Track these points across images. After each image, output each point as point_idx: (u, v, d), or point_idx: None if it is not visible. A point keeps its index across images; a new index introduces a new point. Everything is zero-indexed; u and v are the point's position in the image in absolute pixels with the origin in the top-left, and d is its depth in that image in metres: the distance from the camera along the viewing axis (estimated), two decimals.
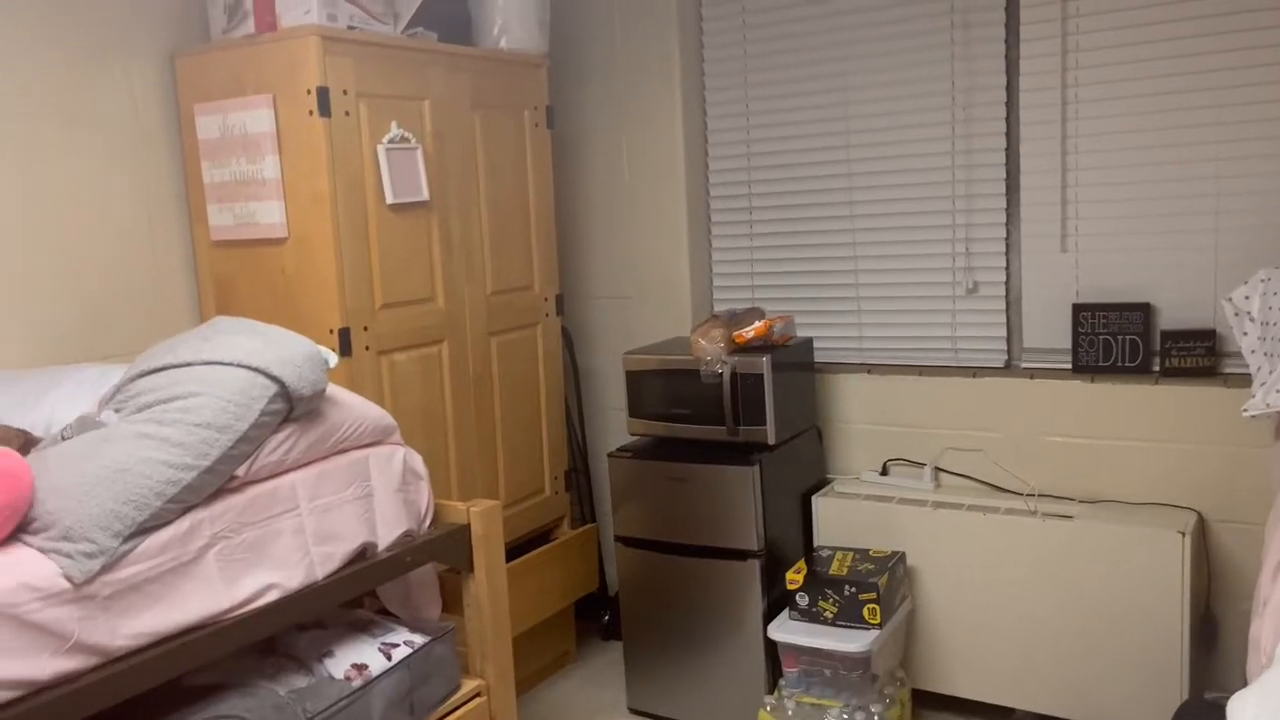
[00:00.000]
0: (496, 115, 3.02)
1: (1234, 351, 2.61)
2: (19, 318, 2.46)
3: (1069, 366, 2.88)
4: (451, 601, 2.33)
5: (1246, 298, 2.34)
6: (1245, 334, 2.33)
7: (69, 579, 1.55)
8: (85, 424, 1.81)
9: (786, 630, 2.76)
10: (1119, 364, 2.80)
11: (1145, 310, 2.77)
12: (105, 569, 1.60)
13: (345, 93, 2.53)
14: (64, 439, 1.80)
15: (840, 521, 3.01)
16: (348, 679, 1.99)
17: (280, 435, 1.91)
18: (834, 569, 2.79)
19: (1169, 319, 2.78)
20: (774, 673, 2.86)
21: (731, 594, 2.88)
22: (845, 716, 2.64)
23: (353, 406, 2.10)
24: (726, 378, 2.85)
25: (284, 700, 1.88)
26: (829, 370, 3.22)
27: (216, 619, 1.77)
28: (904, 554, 2.88)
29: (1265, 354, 2.26)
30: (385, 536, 2.11)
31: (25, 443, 1.87)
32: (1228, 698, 1.22)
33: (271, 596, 1.86)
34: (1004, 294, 3.02)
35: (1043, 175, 2.89)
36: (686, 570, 2.94)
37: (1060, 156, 2.86)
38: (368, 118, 2.60)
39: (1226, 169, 2.67)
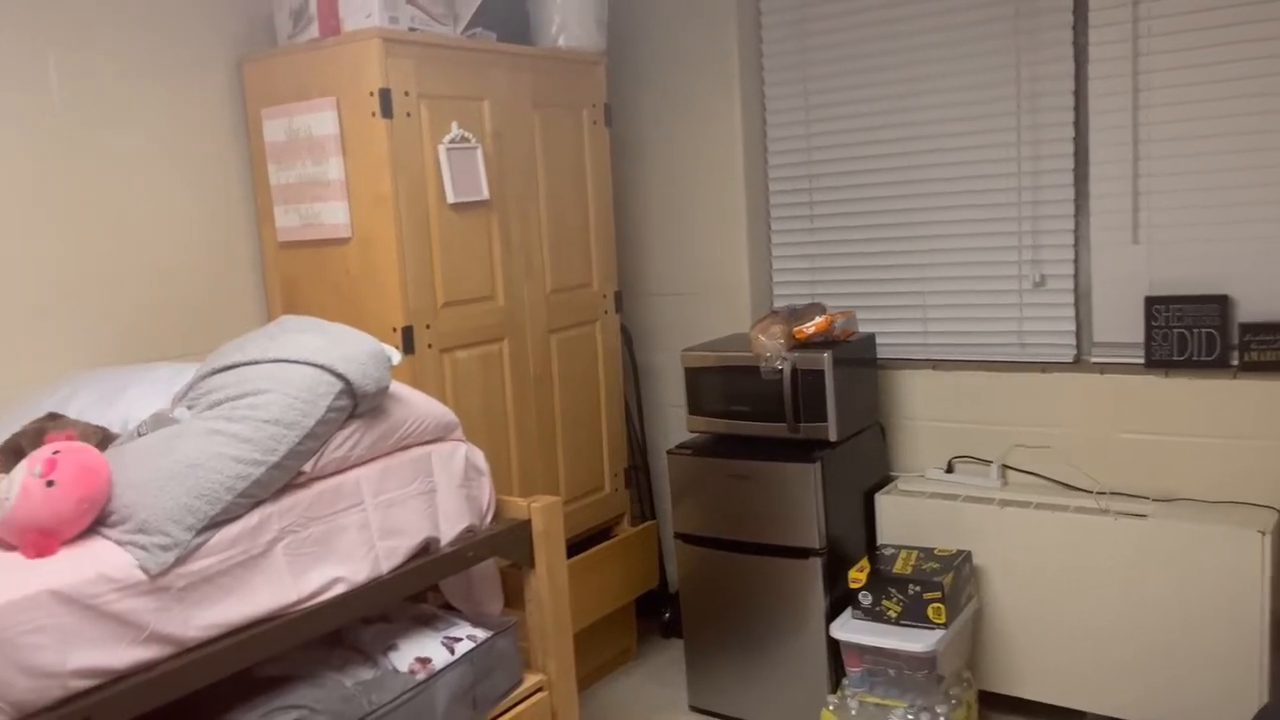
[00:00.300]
0: (555, 114, 3.03)
1: None
2: (96, 318, 2.54)
3: (1142, 361, 2.80)
4: (513, 597, 2.35)
5: None
6: None
7: (145, 571, 1.60)
8: (160, 421, 1.86)
9: (850, 629, 2.73)
10: (1195, 358, 2.72)
11: (1222, 302, 2.68)
12: (179, 561, 1.64)
13: (407, 94, 2.57)
14: (140, 435, 1.85)
15: (904, 520, 2.96)
16: (412, 672, 2.01)
17: (345, 431, 1.95)
18: (898, 568, 2.75)
19: (1248, 311, 2.68)
20: (837, 672, 2.83)
21: (793, 592, 2.85)
22: (910, 717, 2.60)
23: (416, 403, 2.13)
24: (787, 374, 2.82)
25: (351, 692, 1.91)
26: (892, 366, 3.18)
27: (285, 611, 1.80)
28: (970, 553, 2.83)
29: None
30: (448, 531, 2.14)
31: (103, 439, 1.92)
32: None
33: (338, 590, 1.89)
34: (1073, 287, 2.95)
35: (1113, 164, 2.82)
36: (747, 568, 2.92)
37: (1132, 144, 2.78)
38: (429, 118, 2.63)
39: None
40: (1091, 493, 2.83)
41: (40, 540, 1.56)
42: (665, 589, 3.59)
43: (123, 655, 1.56)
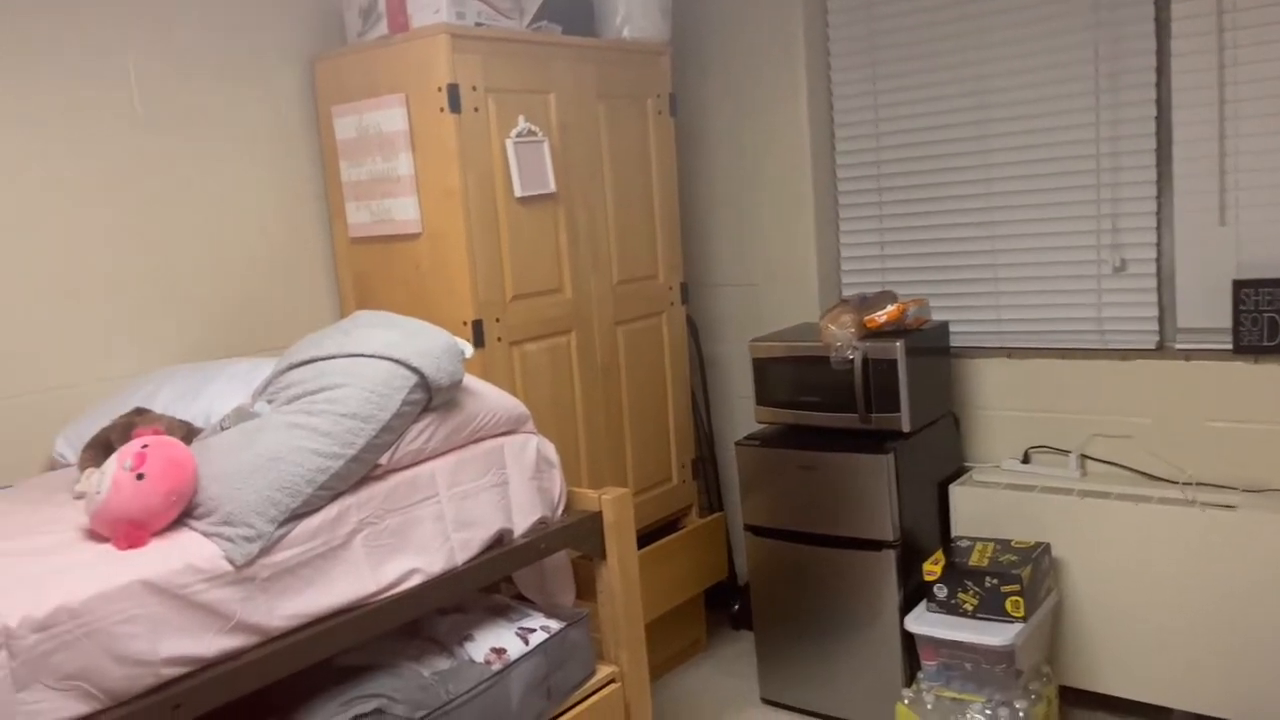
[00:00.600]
0: (620, 105, 3.03)
1: None
2: (176, 316, 2.60)
3: (1229, 347, 2.70)
4: (585, 588, 2.36)
5: None
6: None
7: (230, 561, 1.63)
8: (241, 415, 1.90)
9: (925, 622, 2.69)
10: None
11: None
12: (262, 552, 1.67)
13: (474, 89, 2.58)
14: (222, 429, 1.89)
15: (979, 511, 2.91)
16: (488, 662, 2.03)
17: (420, 424, 1.97)
18: (974, 560, 2.70)
19: None
20: (911, 666, 2.79)
21: (866, 585, 2.82)
22: (988, 712, 2.55)
23: (488, 396, 2.15)
24: (858, 364, 2.78)
25: (428, 681, 1.93)
26: (966, 354, 3.11)
27: (364, 602, 1.83)
28: (1049, 545, 2.76)
29: None
30: (521, 523, 2.15)
31: (188, 433, 1.97)
32: None
33: (415, 581, 1.91)
34: (1155, 271, 2.85)
35: (1198, 143, 2.71)
36: (819, 560, 2.89)
37: (1218, 122, 2.68)
38: (496, 112, 2.64)
39: None
40: (1176, 483, 2.74)
41: (131, 532, 1.61)
42: (734, 580, 3.57)
43: (210, 644, 1.60)
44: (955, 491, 2.95)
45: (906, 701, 2.67)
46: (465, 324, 2.60)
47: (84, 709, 1.46)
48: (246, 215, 2.75)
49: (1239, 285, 2.66)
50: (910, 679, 2.79)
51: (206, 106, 2.65)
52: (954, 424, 3.10)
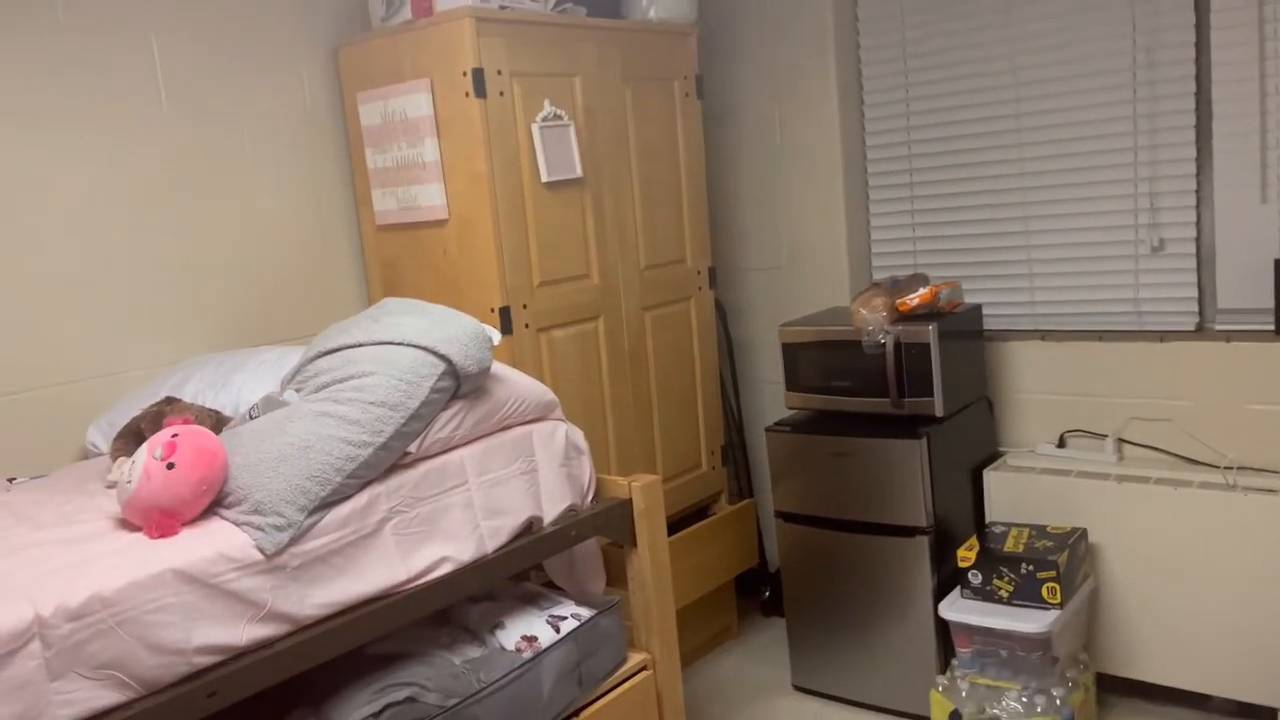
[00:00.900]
0: (646, 87, 2.99)
1: None
2: (205, 305, 2.61)
3: (1271, 328, 2.64)
4: (615, 576, 2.34)
5: None
6: None
7: (261, 550, 1.63)
8: (270, 403, 1.90)
9: (959, 609, 2.65)
10: None
11: None
12: (293, 541, 1.67)
13: (499, 73, 2.56)
14: (251, 418, 1.89)
15: (1014, 496, 2.86)
16: (519, 650, 2.02)
17: (449, 412, 1.95)
18: (1009, 546, 2.66)
19: None
20: (946, 653, 2.76)
21: (899, 571, 2.79)
22: (1024, 699, 2.52)
23: (516, 383, 2.13)
24: (890, 348, 2.74)
25: (460, 669, 1.93)
26: (999, 338, 3.06)
27: (394, 590, 1.82)
28: (1085, 530, 2.71)
29: None
30: (550, 511, 2.13)
31: (217, 422, 1.97)
32: None
33: (445, 569, 1.90)
34: (1194, 251, 2.79)
35: (1239, 120, 2.65)
36: (851, 547, 2.86)
37: (1259, 98, 2.61)
38: (521, 97, 2.62)
39: None
40: (1217, 467, 2.68)
41: (163, 521, 1.61)
42: (764, 567, 3.55)
43: (243, 632, 1.60)
44: (989, 477, 2.91)
45: (941, 689, 2.64)
46: (492, 311, 2.59)
47: (118, 698, 1.47)
48: (273, 204, 2.74)
49: None
50: (944, 666, 2.76)
51: (232, 96, 2.65)
52: (988, 408, 3.06)
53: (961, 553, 2.68)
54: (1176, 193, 2.79)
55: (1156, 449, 2.83)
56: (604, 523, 2.22)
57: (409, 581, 1.85)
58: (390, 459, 1.85)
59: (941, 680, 2.67)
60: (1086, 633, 2.77)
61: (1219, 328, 2.78)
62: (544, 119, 2.67)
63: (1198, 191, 2.76)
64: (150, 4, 2.48)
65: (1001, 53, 2.99)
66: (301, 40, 2.79)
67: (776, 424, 3.01)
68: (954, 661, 2.70)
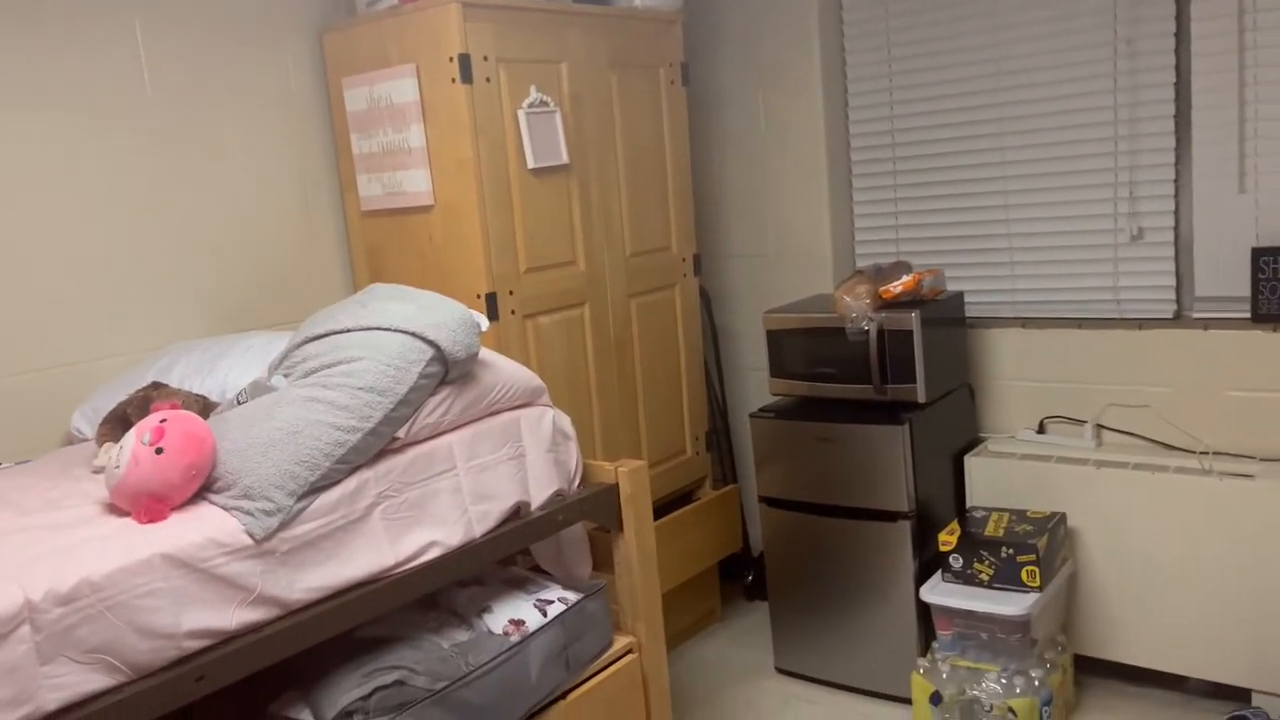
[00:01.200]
0: (632, 74, 3.00)
1: None
2: (191, 290, 2.60)
3: (1248, 316, 2.68)
4: (601, 560, 2.36)
5: None
6: None
7: (250, 535, 1.63)
8: (258, 389, 1.90)
9: (940, 592, 2.69)
10: None
11: None
12: (282, 526, 1.67)
13: (485, 59, 2.56)
14: (239, 403, 1.89)
15: (995, 482, 2.90)
16: (506, 634, 2.04)
17: (437, 398, 1.96)
18: (989, 530, 2.69)
19: None
20: (926, 636, 2.79)
21: (881, 556, 2.82)
22: (1004, 681, 2.56)
23: (504, 369, 2.14)
24: (873, 335, 2.77)
25: (448, 653, 1.94)
26: (981, 325, 3.10)
27: (383, 575, 1.83)
28: (1064, 515, 2.75)
29: None
30: (538, 496, 2.15)
31: (204, 407, 1.97)
32: None
33: (433, 554, 1.91)
34: (1173, 239, 2.83)
35: (1218, 110, 2.68)
36: (834, 531, 2.89)
37: (1238, 88, 2.64)
38: (507, 83, 2.62)
39: None
40: (1194, 453, 2.73)
41: (151, 505, 1.61)
42: (748, 552, 3.58)
43: (232, 616, 1.60)
44: (970, 462, 2.95)
45: (922, 671, 2.68)
46: (479, 297, 2.59)
47: (108, 681, 1.47)
48: (258, 189, 2.73)
49: (1258, 253, 2.63)
50: (925, 649, 2.80)
51: (216, 80, 2.63)
52: (969, 395, 3.09)
53: (943, 537, 2.72)
54: (1155, 181, 2.82)
55: (1134, 435, 2.87)
56: (590, 508, 2.24)
57: (397, 566, 1.85)
58: (379, 444, 1.85)
59: (922, 663, 2.71)
60: (1065, 615, 2.81)
61: (1196, 315, 2.82)
62: (530, 105, 2.67)
63: (1176, 181, 2.80)
64: None
65: (984, 42, 3.01)
66: (286, 24, 2.77)
67: (760, 410, 3.04)
68: (935, 644, 2.74)
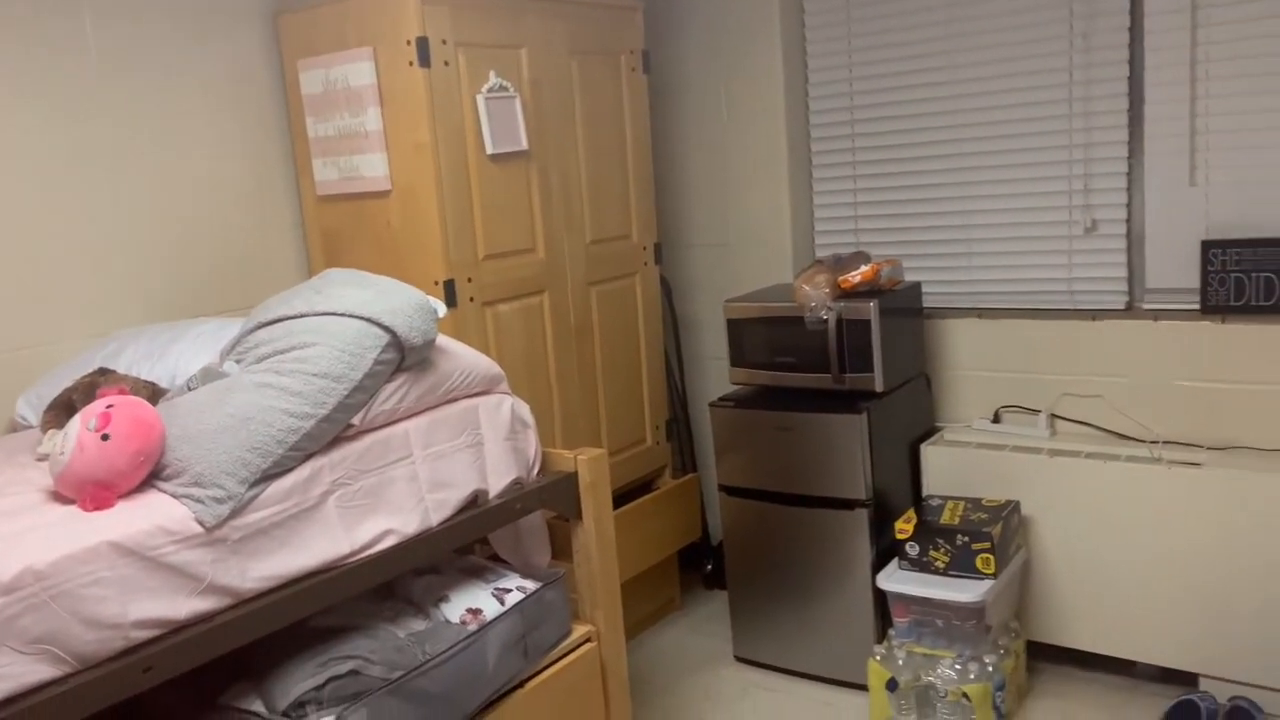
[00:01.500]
0: (593, 61, 2.98)
1: None
2: (139, 274, 2.54)
3: (1197, 307, 2.73)
4: (560, 549, 2.35)
5: None
6: None
7: (201, 523, 1.60)
8: (209, 375, 1.86)
9: (897, 580, 2.71)
10: (1253, 303, 2.64)
11: None
12: (234, 514, 1.64)
13: (444, 42, 2.52)
14: (190, 389, 1.85)
15: (951, 470, 2.93)
16: (463, 623, 2.02)
17: (393, 384, 1.93)
18: (945, 518, 2.72)
19: None
20: (883, 623, 2.82)
21: (839, 544, 2.84)
22: (958, 667, 2.59)
23: (462, 356, 2.12)
24: (832, 324, 2.78)
25: (404, 642, 1.92)
26: (938, 315, 3.12)
27: (338, 563, 1.81)
28: (1018, 503, 2.79)
29: None
30: (496, 484, 2.13)
31: (153, 394, 1.93)
32: None
33: (389, 542, 1.89)
34: (1125, 232, 2.87)
35: (1170, 104, 2.72)
36: (792, 520, 2.91)
37: (1189, 83, 2.69)
38: (466, 67, 2.59)
39: None
40: (1144, 442, 2.78)
41: (97, 493, 1.57)
42: (707, 541, 3.59)
43: (182, 606, 1.57)
44: (927, 451, 2.97)
45: (878, 658, 2.70)
46: (437, 284, 2.57)
47: (53, 672, 1.43)
48: (211, 172, 2.68)
49: (1207, 246, 2.68)
50: (882, 636, 2.82)
51: (167, 60, 2.57)
52: (926, 384, 3.12)
53: (899, 525, 2.74)
54: (1109, 175, 2.86)
55: (1087, 424, 2.92)
56: (549, 496, 2.23)
57: (352, 554, 1.83)
58: (333, 431, 1.82)
59: (879, 649, 2.73)
60: (1018, 602, 2.85)
61: (1148, 307, 2.87)
62: (489, 90, 2.64)
63: (1129, 174, 2.84)
64: None
65: (942, 34, 3.03)
66: (239, 4, 2.71)
67: (720, 399, 3.04)
68: (891, 631, 2.77)
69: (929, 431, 3.09)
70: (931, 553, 2.69)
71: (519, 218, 2.77)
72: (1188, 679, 2.68)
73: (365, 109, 2.58)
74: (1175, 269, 2.79)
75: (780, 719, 2.82)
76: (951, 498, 2.86)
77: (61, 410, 1.94)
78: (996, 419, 3.05)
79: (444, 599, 2.08)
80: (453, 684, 1.91)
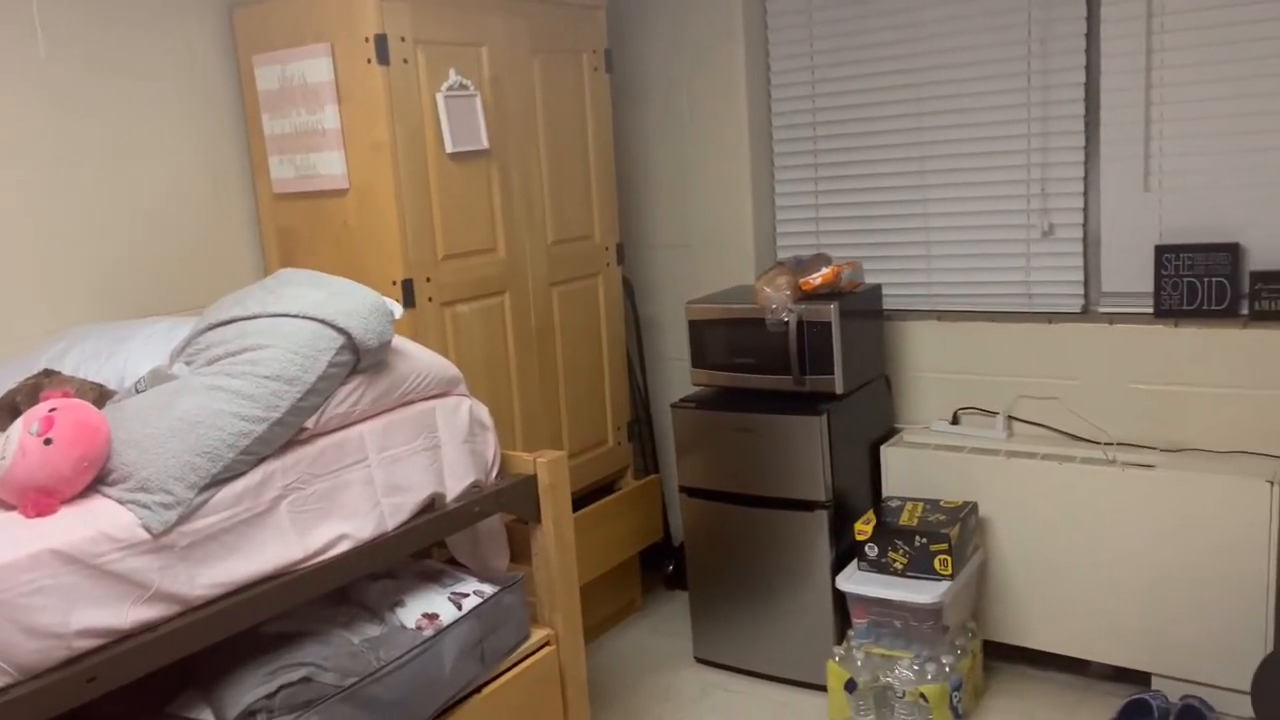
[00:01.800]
0: (555, 60, 2.96)
1: None
2: (88, 273, 2.48)
3: (1151, 311, 2.77)
4: (519, 552, 2.33)
5: None
6: None
7: (147, 529, 1.57)
8: (158, 377, 1.82)
9: (856, 581, 2.73)
10: (1205, 307, 2.68)
11: (1233, 251, 2.64)
12: (182, 520, 1.61)
13: (403, 40, 2.49)
14: (138, 392, 1.82)
15: (910, 472, 2.95)
16: (419, 628, 2.00)
17: (348, 387, 1.91)
18: (904, 520, 2.74)
19: (1259, 260, 2.64)
20: (842, 624, 2.83)
21: (799, 545, 2.85)
22: (916, 668, 2.61)
23: (419, 358, 2.09)
24: (793, 326, 2.79)
25: (358, 648, 1.90)
26: (898, 317, 3.14)
27: (291, 569, 1.78)
28: (976, 504, 2.81)
29: None
30: (453, 487, 2.11)
31: (100, 396, 1.88)
32: None
33: (343, 547, 1.86)
34: (1081, 236, 2.91)
35: (1125, 110, 2.76)
36: (753, 521, 2.91)
37: (1144, 90, 2.72)
38: (426, 65, 2.56)
39: None
40: (1099, 444, 2.81)
41: (40, 499, 1.53)
42: (668, 542, 3.59)
43: (127, 615, 1.54)
44: (886, 452, 2.99)
45: (837, 659, 2.71)
46: (395, 284, 2.54)
47: None
48: (163, 169, 2.62)
49: (1161, 250, 2.72)
50: (841, 636, 2.84)
51: (118, 54, 2.52)
52: (886, 386, 3.14)
53: (859, 526, 2.76)
54: (1066, 179, 2.89)
55: (1044, 426, 2.95)
56: (508, 499, 2.21)
57: (305, 560, 1.80)
58: (286, 435, 1.80)
59: (838, 650, 2.74)
60: (975, 602, 2.87)
61: (1103, 310, 2.90)
62: (449, 88, 2.61)
63: (1085, 179, 2.87)
64: None
65: (902, 37, 3.05)
66: None
67: (682, 400, 3.04)
68: (850, 632, 2.78)
69: (889, 433, 3.11)
70: (890, 554, 2.71)
71: (479, 217, 2.74)
72: (1140, 678, 2.71)
73: (323, 106, 2.55)
74: (1130, 273, 2.83)
75: (739, 719, 2.83)
76: (910, 499, 2.88)
77: (4, 413, 1.89)
78: (955, 421, 3.07)
79: (400, 604, 2.05)
80: (408, 690, 1.89)
